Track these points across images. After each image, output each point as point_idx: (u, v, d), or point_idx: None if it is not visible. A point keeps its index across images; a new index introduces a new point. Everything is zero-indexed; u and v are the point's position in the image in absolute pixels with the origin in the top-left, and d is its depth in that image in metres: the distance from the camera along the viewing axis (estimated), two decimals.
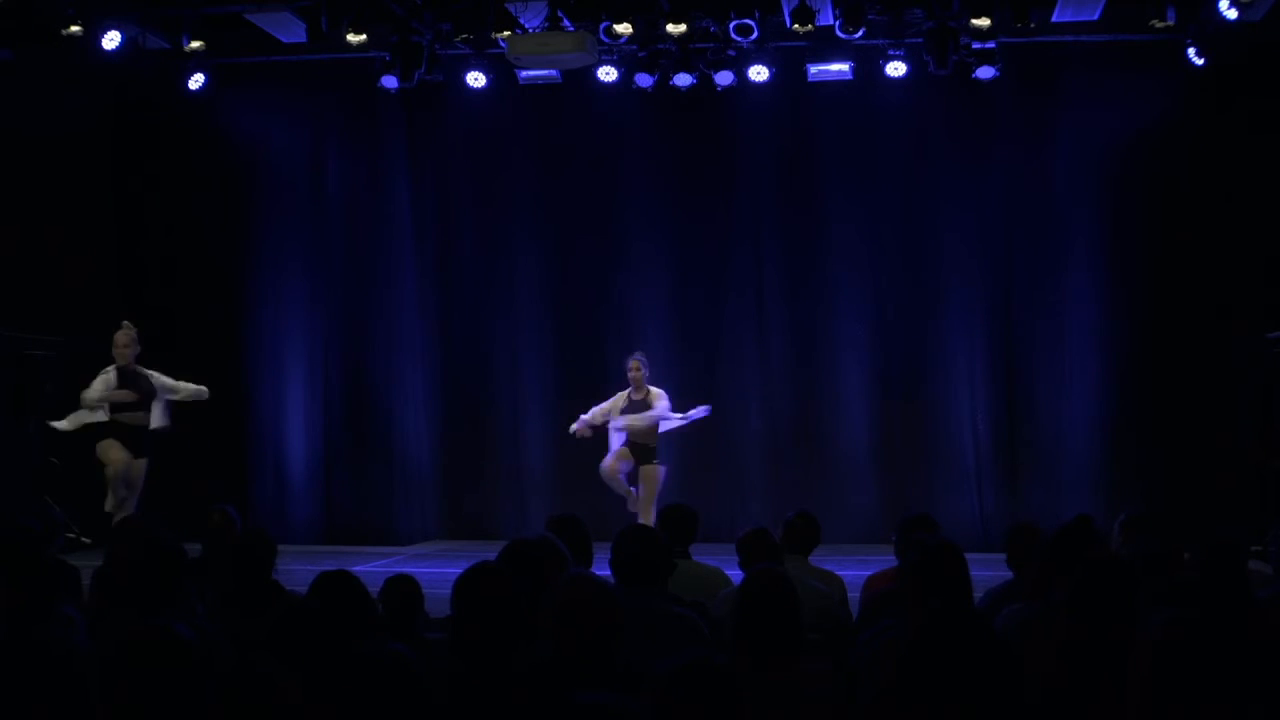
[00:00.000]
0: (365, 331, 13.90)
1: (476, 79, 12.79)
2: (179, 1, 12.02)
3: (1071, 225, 12.97)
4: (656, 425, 11.46)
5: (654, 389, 11.56)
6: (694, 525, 6.53)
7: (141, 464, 10.73)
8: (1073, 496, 12.27)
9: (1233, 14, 10.80)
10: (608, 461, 11.44)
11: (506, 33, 11.70)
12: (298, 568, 9.67)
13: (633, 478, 11.46)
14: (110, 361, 10.84)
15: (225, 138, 13.81)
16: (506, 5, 11.79)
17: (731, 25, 11.66)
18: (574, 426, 11.67)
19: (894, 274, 13.32)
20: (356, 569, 5.05)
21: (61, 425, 10.85)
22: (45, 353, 12.75)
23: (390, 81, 12.43)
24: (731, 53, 12.29)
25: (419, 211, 13.93)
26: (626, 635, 4.06)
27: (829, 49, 12.29)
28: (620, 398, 11.57)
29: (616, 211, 13.67)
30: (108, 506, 10.60)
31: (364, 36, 11.83)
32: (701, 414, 11.75)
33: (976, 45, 11.89)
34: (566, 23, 11.71)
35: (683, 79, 12.36)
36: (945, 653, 2.88)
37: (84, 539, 12.20)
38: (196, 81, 12.74)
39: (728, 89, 12.56)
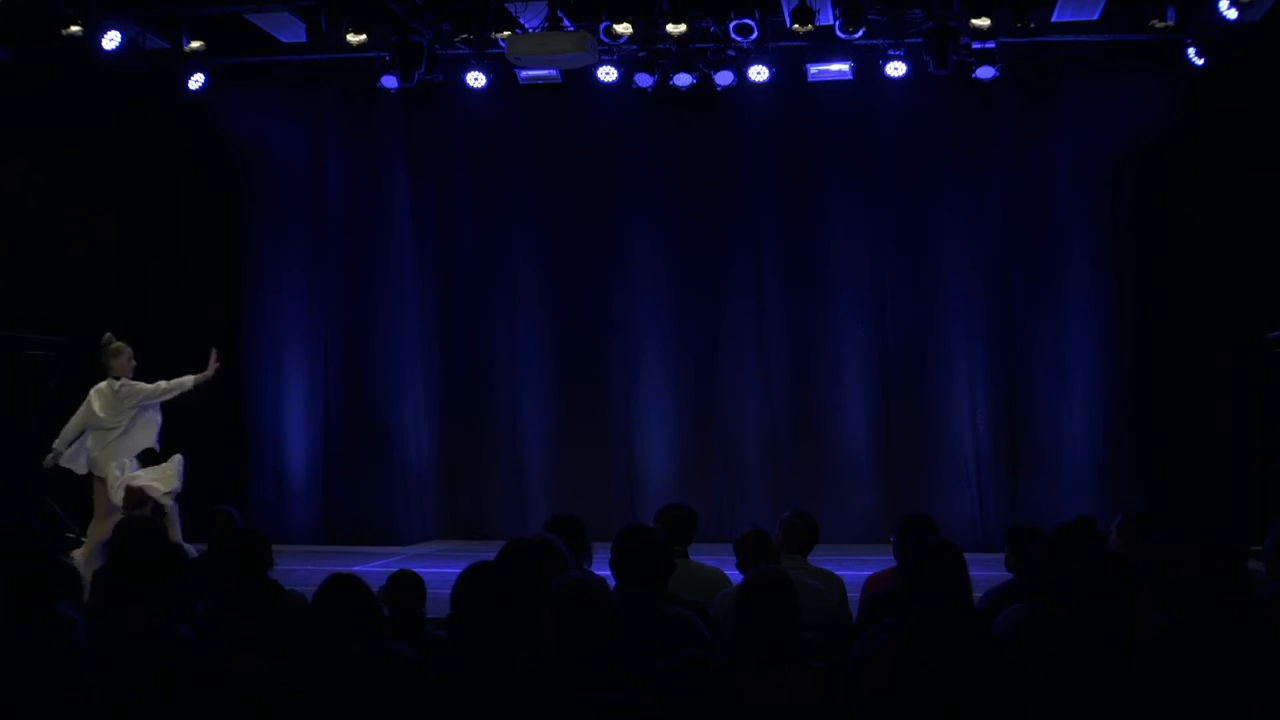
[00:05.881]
0: (365, 331, 13.90)
1: (476, 79, 12.78)
2: (179, 1, 12.02)
3: (1071, 225, 12.97)
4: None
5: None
6: (693, 525, 6.53)
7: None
8: (1073, 496, 12.27)
9: (1233, 14, 10.79)
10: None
11: (506, 33, 11.71)
12: (298, 568, 9.68)
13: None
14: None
15: (225, 137, 13.81)
16: (506, 5, 11.79)
17: (731, 25, 11.65)
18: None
19: (894, 274, 13.32)
20: (356, 569, 5.06)
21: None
22: (45, 353, 12.74)
23: (390, 81, 12.43)
24: (731, 53, 12.28)
25: (419, 211, 13.93)
26: (626, 635, 4.07)
27: (829, 49, 12.29)
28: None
29: (616, 211, 13.67)
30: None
31: (364, 36, 11.82)
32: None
33: (976, 45, 11.89)
34: (566, 23, 11.71)
35: (683, 79, 12.36)
36: (942, 653, 2.88)
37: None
38: (196, 81, 12.74)
39: (728, 89, 12.56)
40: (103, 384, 10.19)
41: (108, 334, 10.42)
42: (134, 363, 10.35)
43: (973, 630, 2.94)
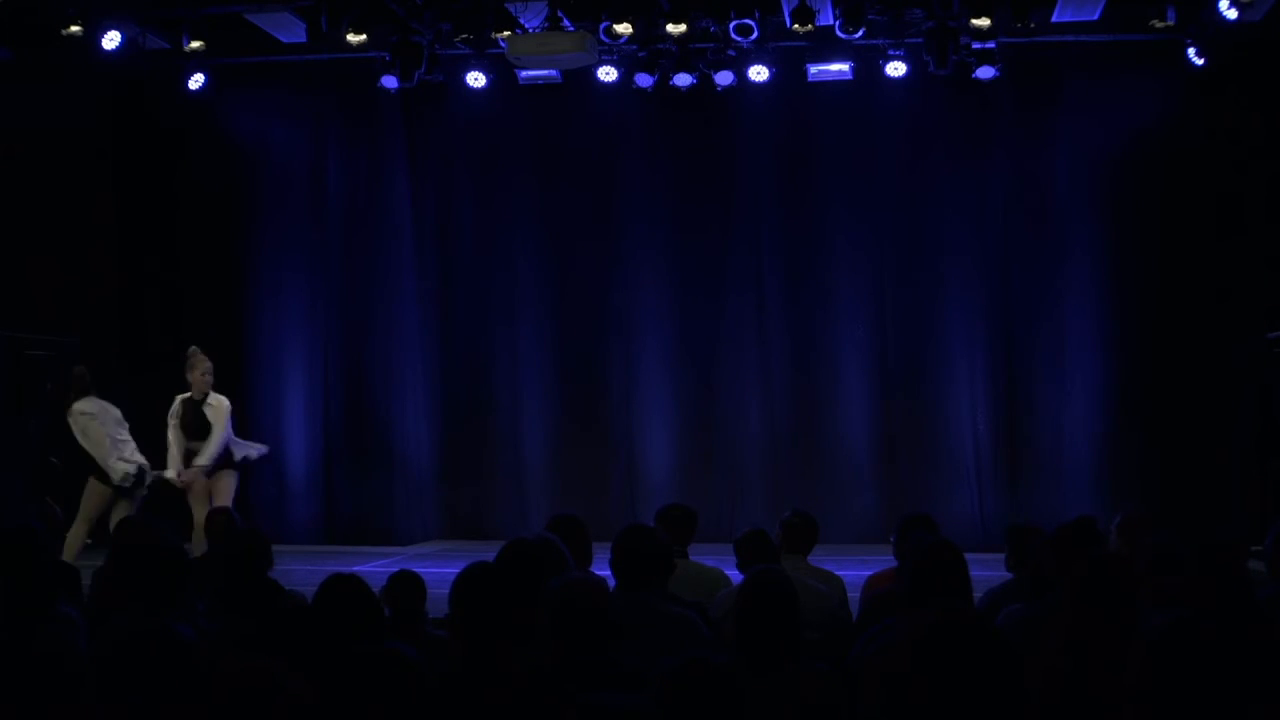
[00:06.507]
0: (365, 331, 13.90)
1: (476, 79, 12.79)
2: (179, 1, 12.03)
3: (1071, 225, 12.97)
4: None
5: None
6: (693, 525, 6.53)
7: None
8: (1073, 496, 12.27)
9: (1233, 14, 10.80)
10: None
11: (506, 33, 11.71)
12: (298, 568, 9.69)
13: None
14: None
15: (225, 137, 13.81)
16: (506, 5, 11.80)
17: (731, 25, 11.66)
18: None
19: (894, 274, 13.32)
20: (356, 569, 5.05)
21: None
22: (44, 352, 12.74)
23: (390, 81, 12.43)
24: (731, 53, 12.29)
25: (419, 211, 13.93)
26: (626, 635, 4.07)
27: (829, 49, 12.29)
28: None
29: (616, 212, 13.67)
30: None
31: (364, 36, 11.83)
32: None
33: (976, 45, 11.89)
34: (566, 23, 11.71)
35: (683, 79, 12.36)
36: (946, 654, 2.88)
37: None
38: (196, 81, 12.75)
39: (728, 89, 12.56)
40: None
41: (193, 346, 10.57)
42: (208, 377, 10.46)
43: (987, 634, 2.93)
